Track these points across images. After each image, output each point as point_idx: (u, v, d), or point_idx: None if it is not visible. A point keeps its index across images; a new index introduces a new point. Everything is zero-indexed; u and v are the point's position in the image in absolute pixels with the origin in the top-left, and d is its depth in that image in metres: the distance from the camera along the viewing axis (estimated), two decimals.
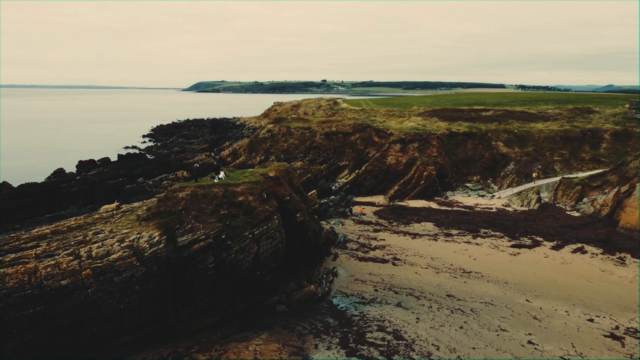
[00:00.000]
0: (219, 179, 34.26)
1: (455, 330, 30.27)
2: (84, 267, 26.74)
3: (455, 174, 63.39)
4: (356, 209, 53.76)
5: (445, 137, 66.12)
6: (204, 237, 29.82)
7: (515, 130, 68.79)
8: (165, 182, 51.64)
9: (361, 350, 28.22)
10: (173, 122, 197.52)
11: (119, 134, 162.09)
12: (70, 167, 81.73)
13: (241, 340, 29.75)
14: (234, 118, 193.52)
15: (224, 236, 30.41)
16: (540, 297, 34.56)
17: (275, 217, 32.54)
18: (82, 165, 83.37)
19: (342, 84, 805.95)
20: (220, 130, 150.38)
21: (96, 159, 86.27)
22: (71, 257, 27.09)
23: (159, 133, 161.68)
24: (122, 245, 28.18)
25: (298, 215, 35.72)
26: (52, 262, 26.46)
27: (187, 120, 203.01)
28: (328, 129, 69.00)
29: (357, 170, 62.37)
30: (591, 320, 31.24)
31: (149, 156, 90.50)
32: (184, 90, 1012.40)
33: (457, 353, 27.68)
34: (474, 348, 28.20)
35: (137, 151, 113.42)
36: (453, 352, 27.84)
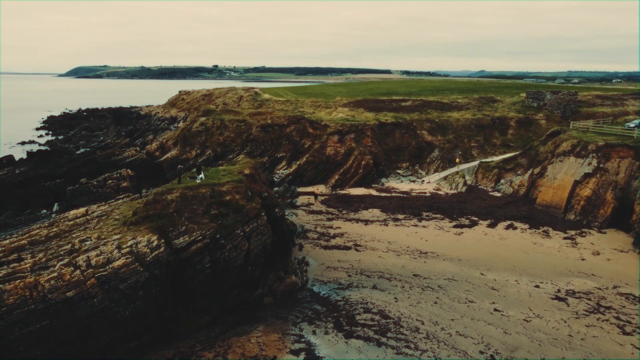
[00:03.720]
0: (200, 179, 34.53)
1: (432, 305, 33.96)
2: (88, 277, 26.23)
3: (387, 162, 67.99)
4: (316, 191, 58.38)
5: (376, 127, 70.36)
6: (200, 237, 30.31)
7: (436, 120, 75.11)
8: (110, 181, 49.47)
9: (357, 331, 30.77)
10: (64, 113, 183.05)
11: (3, 127, 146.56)
12: None
13: (240, 335, 30.89)
14: (132, 107, 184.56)
15: (218, 235, 31.10)
16: (491, 270, 39.55)
17: (263, 213, 33.79)
18: None
19: (234, 70, 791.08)
20: (126, 121, 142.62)
21: None
22: (72, 268, 26.37)
23: (54, 125, 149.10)
24: (123, 251, 27.87)
25: (277, 210, 37.15)
26: (55, 275, 25.65)
27: (80, 110, 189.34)
28: (263, 122, 69.92)
29: (298, 162, 64.41)
30: (537, 286, 36.68)
31: (61, 152, 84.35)
32: (61, 75, 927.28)
33: (440, 325, 31.32)
34: (452, 319, 32.03)
35: (37, 147, 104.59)
36: (436, 324, 31.44)
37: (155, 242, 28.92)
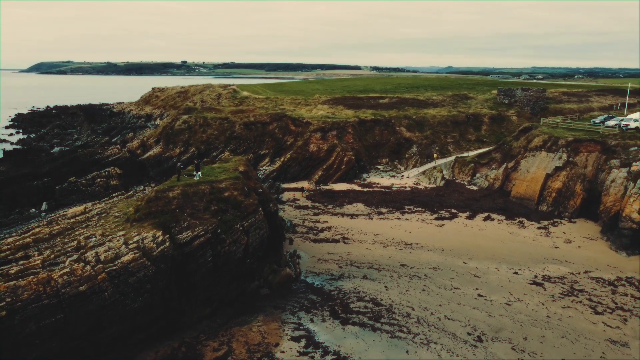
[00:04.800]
0: (199, 176, 35.74)
1: (420, 292, 36.13)
2: (99, 272, 27.27)
3: (367, 158, 70.19)
4: (305, 186, 61.46)
5: (357, 124, 72.45)
6: (203, 232, 31.63)
7: (414, 117, 77.74)
8: (99, 180, 49.88)
9: (352, 318, 32.64)
10: (33, 110, 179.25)
11: None
12: None
13: (241, 324, 32.34)
14: (103, 104, 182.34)
15: (219, 230, 32.46)
16: (473, 259, 42.04)
17: (260, 208, 35.28)
18: None
19: (203, 66, 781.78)
20: (99, 119, 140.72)
21: None
22: (82, 263, 27.37)
23: (24, 123, 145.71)
24: (130, 247, 28.99)
25: (271, 205, 38.67)
26: (67, 270, 26.62)
27: (49, 108, 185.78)
28: (246, 119, 71.04)
29: (282, 158, 65.88)
30: (516, 273, 39.32)
31: (38, 150, 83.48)
32: (23, 71, 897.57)
33: (429, 310, 33.50)
34: (440, 305, 34.27)
35: (10, 145, 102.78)
36: (426, 310, 33.60)
37: (161, 238, 30.12)
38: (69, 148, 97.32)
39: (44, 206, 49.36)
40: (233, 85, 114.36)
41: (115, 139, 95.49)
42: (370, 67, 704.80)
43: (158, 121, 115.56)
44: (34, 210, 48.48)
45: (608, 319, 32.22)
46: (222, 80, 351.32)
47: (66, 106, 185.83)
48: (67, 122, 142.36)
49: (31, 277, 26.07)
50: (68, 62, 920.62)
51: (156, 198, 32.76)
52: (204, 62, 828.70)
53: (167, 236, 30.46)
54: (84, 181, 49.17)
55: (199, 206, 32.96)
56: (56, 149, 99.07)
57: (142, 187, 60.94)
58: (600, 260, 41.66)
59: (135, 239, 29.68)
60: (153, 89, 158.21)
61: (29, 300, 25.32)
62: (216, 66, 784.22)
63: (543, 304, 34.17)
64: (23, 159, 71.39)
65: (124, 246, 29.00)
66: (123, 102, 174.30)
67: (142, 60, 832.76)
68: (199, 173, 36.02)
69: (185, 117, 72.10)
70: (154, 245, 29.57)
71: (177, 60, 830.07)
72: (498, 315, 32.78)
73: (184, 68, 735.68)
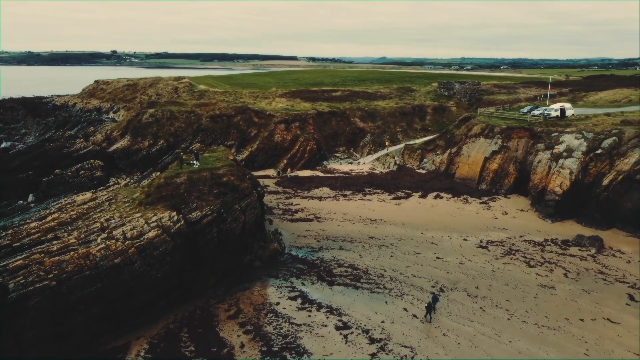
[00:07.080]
0: (197, 164, 40.45)
1: (389, 258, 42.97)
2: (129, 246, 31.84)
3: (326, 147, 76.46)
4: (288, 171, 67.93)
5: (316, 116, 78.45)
6: (210, 212, 36.64)
7: (366, 108, 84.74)
8: (83, 172, 52.66)
9: (336, 280, 38.92)
10: None
11: None
12: None
13: (244, 290, 37.80)
14: (39, 97, 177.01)
15: (222, 210, 37.58)
16: (429, 230, 49.47)
17: (254, 191, 40.62)
18: None
19: (135, 56, 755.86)
20: (42, 113, 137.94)
21: None
22: (114, 240, 31.82)
23: None
24: (151, 225, 33.64)
25: (259, 189, 44.02)
26: (103, 246, 31.01)
27: None
28: (212, 112, 75.05)
29: (250, 148, 70.77)
30: (465, 239, 47.10)
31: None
32: None
33: (399, 271, 40.38)
34: (407, 267, 41.25)
35: None
36: (396, 271, 40.45)
37: (176, 217, 34.91)
38: (22, 143, 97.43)
39: (30, 197, 51.83)
40: (186, 78, 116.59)
41: (71, 132, 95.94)
42: (307, 57, 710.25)
43: (111, 114, 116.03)
44: (21, 202, 50.89)
45: (539, 270, 40.44)
46: (156, 71, 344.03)
47: None
48: (8, 117, 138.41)
49: (72, 252, 30.29)
50: None
51: (165, 184, 37.29)
52: (135, 52, 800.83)
53: (181, 216, 35.27)
54: (69, 173, 51.93)
55: (203, 190, 37.85)
56: (6, 144, 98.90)
57: (114, 179, 64.20)
58: (531, 226, 50.38)
59: (153, 219, 34.29)
60: (97, 81, 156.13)
61: (73, 272, 29.57)
62: (148, 56, 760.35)
63: (489, 262, 41.97)
64: None
65: (145, 225, 33.59)
66: (61, 95, 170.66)
67: (67, 50, 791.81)
68: (197, 162, 40.70)
69: (151, 110, 75.04)
70: (171, 224, 34.34)
71: (106, 49, 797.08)
72: (454, 272, 40.15)
73: (114, 58, 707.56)
